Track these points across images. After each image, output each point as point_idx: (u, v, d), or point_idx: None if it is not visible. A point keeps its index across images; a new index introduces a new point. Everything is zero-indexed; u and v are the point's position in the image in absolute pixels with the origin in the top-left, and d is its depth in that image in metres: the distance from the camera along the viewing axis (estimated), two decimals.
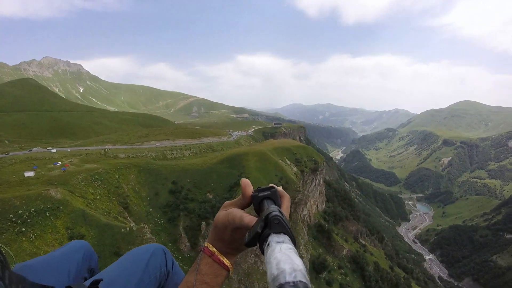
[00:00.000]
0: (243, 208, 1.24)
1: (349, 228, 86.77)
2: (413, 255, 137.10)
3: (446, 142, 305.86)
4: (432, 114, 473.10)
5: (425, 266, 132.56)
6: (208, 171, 60.38)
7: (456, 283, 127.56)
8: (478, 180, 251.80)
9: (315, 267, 58.80)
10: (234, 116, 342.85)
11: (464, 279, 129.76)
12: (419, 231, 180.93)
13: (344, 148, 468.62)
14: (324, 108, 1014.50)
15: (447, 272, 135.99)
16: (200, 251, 1.32)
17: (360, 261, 70.87)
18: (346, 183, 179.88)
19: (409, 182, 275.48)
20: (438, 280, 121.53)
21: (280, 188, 1.22)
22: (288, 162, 75.60)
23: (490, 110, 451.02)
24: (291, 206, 1.27)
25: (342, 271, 66.14)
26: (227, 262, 1.29)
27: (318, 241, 71.32)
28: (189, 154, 77.45)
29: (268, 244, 0.85)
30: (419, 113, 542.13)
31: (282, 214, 0.96)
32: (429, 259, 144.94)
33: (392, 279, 73.87)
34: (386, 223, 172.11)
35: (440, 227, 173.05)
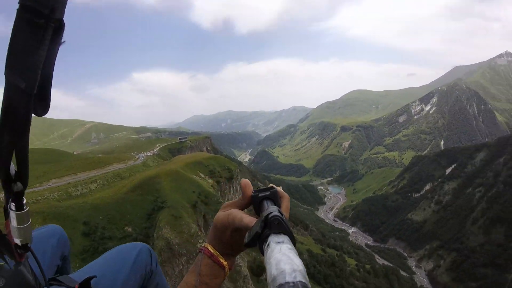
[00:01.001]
0: (242, 208, 1.22)
1: None
2: (337, 233, 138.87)
3: (344, 129, 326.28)
4: (328, 106, 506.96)
5: (350, 239, 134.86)
6: (120, 203, 48.97)
7: (382, 245, 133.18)
8: (378, 155, 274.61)
9: (253, 271, 51.93)
10: (137, 136, 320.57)
11: (388, 240, 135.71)
12: (337, 210, 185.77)
13: (250, 150, 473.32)
14: (225, 115, 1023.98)
15: (371, 238, 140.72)
16: (200, 251, 1.29)
17: None
18: (259, 183, 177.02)
19: (317, 170, 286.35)
20: (366, 248, 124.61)
21: (280, 189, 1.21)
22: (203, 176, 68.83)
23: (379, 94, 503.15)
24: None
25: None
26: (226, 263, 1.27)
27: (253, 248, 64.55)
28: (96, 187, 64.22)
29: (268, 245, 0.84)
30: (315, 107, 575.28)
31: (282, 215, 0.93)
32: (352, 232, 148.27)
33: (327, 260, 75.01)
34: (305, 210, 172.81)
35: (354, 202, 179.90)
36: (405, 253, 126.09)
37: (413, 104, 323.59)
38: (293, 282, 0.66)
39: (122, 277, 2.10)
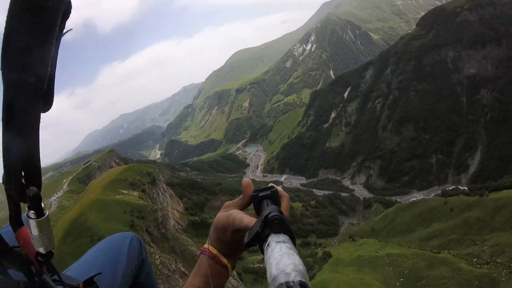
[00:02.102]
0: (243, 208, 1.22)
1: (215, 204, 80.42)
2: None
3: (238, 91, 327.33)
4: (216, 75, 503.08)
5: (286, 185, 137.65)
6: (58, 260, 39.19)
7: (315, 179, 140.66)
8: (279, 103, 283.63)
9: None
10: None
11: (318, 173, 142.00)
12: (262, 166, 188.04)
13: (158, 145, 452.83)
14: (120, 121, 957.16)
15: (303, 177, 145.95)
16: (202, 253, 1.29)
17: None
18: (181, 173, 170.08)
19: (229, 138, 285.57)
20: (303, 187, 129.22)
21: (280, 188, 1.19)
22: (126, 191, 60.14)
23: (260, 48, 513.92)
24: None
25: None
26: (228, 263, 1.27)
27: (204, 236, 60.64)
28: None
29: (268, 244, 0.84)
30: (204, 80, 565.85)
31: (282, 214, 0.93)
32: (284, 179, 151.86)
33: None
34: (235, 179, 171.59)
35: (275, 153, 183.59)
36: (337, 178, 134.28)
37: (295, 47, 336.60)
38: (293, 282, 0.65)
39: (121, 269, 2.06)
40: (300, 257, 0.74)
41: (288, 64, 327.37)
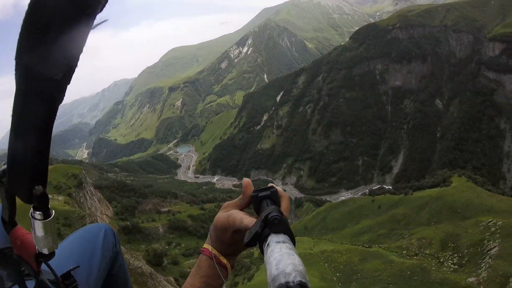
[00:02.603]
0: (242, 208, 1.19)
1: (146, 208, 75.43)
2: (204, 187, 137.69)
3: (171, 89, 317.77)
4: (149, 72, 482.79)
5: (218, 187, 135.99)
6: None
7: (250, 178, 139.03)
8: (212, 104, 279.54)
9: (153, 263, 44.26)
10: None
11: (250, 173, 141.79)
12: (194, 167, 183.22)
13: (85, 143, 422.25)
14: None
15: (235, 178, 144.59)
16: (201, 253, 1.27)
17: (179, 225, 65.09)
18: (109, 174, 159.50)
19: (160, 137, 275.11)
20: (235, 188, 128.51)
21: (279, 188, 1.16)
22: (50, 196, 51.48)
23: (196, 48, 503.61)
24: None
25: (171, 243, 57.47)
26: (228, 263, 1.25)
27: (136, 242, 56.99)
28: None
29: (268, 244, 0.82)
30: (137, 76, 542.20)
31: (282, 214, 0.91)
32: (216, 180, 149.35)
33: (210, 215, 72.54)
34: (166, 180, 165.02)
35: (206, 154, 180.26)
36: (269, 178, 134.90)
37: (231, 49, 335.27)
38: (293, 282, 0.64)
39: (96, 262, 2.03)
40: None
41: (223, 65, 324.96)
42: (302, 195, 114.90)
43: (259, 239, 0.88)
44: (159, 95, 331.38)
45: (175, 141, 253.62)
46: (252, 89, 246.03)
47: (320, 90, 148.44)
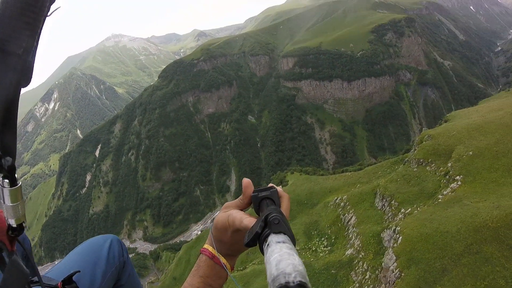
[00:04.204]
0: (243, 208, 1.20)
1: None
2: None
3: None
4: None
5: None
6: None
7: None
8: (25, 177, 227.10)
9: None
10: None
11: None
12: None
13: None
14: None
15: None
16: (201, 253, 1.28)
17: None
18: None
19: None
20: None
21: (279, 188, 1.18)
22: None
23: None
24: None
25: None
26: (228, 263, 1.26)
27: None
28: None
29: (268, 244, 0.82)
30: None
31: (282, 215, 0.92)
32: (58, 262, 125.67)
33: None
34: None
35: (36, 238, 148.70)
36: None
37: (36, 107, 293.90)
38: (293, 282, 0.65)
39: (100, 271, 2.07)
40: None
41: (29, 128, 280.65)
42: (156, 246, 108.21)
43: (259, 240, 0.88)
44: None
45: None
46: (67, 149, 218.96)
47: (139, 134, 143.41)
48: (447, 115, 48.03)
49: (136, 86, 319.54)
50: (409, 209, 23.49)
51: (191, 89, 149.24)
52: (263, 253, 0.83)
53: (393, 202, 26.56)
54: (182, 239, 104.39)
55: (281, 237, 0.83)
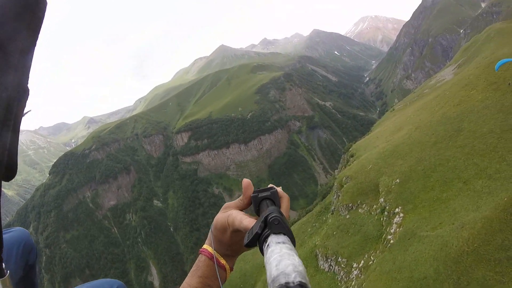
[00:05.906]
0: (243, 209, 1.19)
1: None
2: None
3: None
4: None
5: None
6: None
7: None
8: None
9: None
10: None
11: None
12: None
13: None
14: None
15: None
16: (200, 253, 1.26)
17: None
18: None
19: None
20: None
21: (279, 189, 1.18)
22: None
23: None
24: None
25: None
26: (227, 264, 1.25)
27: None
28: None
29: (268, 245, 0.81)
30: None
31: (282, 215, 0.92)
32: None
33: None
34: None
35: None
36: None
37: None
38: (293, 282, 0.64)
39: None
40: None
41: None
42: None
43: (259, 240, 0.87)
44: None
45: None
46: None
47: (37, 243, 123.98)
48: (350, 150, 47.38)
49: (27, 186, 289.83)
50: (362, 262, 21.40)
51: (86, 182, 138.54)
52: (263, 254, 0.82)
53: (339, 259, 24.58)
54: None
55: (281, 237, 0.83)
